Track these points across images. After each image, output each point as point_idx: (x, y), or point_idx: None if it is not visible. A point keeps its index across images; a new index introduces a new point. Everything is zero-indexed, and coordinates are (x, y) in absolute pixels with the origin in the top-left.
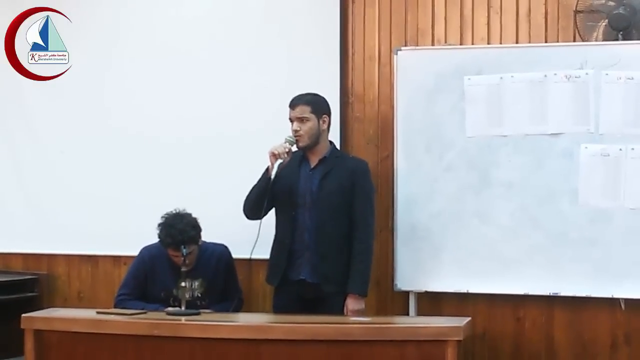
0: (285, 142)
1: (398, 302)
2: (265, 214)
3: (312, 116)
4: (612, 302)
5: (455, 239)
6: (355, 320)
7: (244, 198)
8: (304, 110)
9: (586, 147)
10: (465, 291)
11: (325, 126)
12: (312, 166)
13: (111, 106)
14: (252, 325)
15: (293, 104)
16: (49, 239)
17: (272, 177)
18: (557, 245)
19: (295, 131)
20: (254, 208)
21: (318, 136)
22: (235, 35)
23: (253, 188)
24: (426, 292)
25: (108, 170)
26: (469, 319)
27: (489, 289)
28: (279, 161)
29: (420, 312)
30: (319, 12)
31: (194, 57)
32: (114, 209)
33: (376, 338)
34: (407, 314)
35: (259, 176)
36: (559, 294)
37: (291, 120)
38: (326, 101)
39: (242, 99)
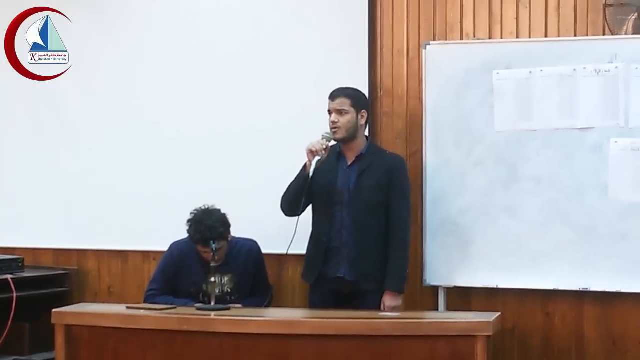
0: (322, 139)
1: (427, 297)
2: (303, 210)
3: (352, 109)
4: None
5: (485, 234)
6: (384, 315)
7: (282, 194)
8: (343, 103)
9: (616, 142)
10: (495, 286)
11: (363, 121)
12: (349, 163)
13: (143, 102)
14: (282, 321)
15: (333, 96)
16: (79, 235)
17: (311, 174)
18: (586, 240)
19: (333, 122)
20: (292, 205)
21: (355, 131)
22: (265, 29)
23: (291, 185)
24: (455, 287)
25: (138, 165)
26: (499, 314)
27: (519, 284)
28: (317, 158)
29: (449, 307)
30: (348, 7)
31: (219, 54)
32: (144, 204)
33: (405, 333)
34: (437, 309)
35: (293, 171)
36: (588, 289)
37: (329, 112)
38: (366, 97)
39: (272, 93)
